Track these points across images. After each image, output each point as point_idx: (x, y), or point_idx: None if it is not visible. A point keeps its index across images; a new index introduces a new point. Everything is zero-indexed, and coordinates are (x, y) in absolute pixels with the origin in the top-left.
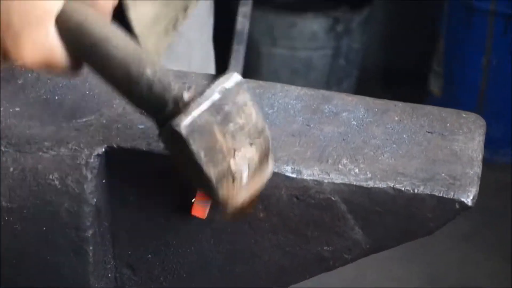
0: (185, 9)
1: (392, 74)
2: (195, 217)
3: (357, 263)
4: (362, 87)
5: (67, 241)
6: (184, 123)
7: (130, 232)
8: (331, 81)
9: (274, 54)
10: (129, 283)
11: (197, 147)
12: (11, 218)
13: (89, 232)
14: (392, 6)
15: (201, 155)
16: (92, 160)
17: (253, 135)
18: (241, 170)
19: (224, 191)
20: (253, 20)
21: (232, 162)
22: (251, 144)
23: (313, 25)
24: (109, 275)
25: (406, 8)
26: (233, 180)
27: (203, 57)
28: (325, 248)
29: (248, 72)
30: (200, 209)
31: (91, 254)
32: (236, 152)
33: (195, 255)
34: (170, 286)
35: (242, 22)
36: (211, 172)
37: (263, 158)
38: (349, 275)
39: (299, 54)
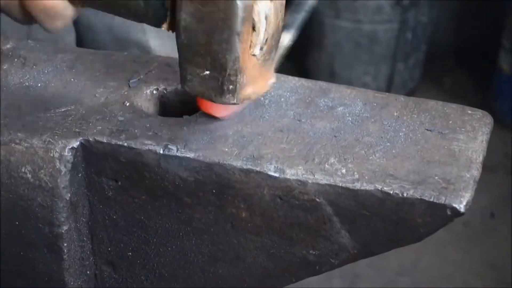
0: None
1: (462, 50)
2: (174, 216)
3: (413, 247)
4: (431, 63)
5: (41, 237)
6: None
7: (109, 228)
8: (398, 55)
9: (338, 27)
10: (110, 281)
11: None
12: None
13: (63, 228)
14: None
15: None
16: (66, 153)
17: None
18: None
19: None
20: None
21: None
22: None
23: None
24: (88, 272)
25: None
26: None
27: None
28: (311, 251)
29: (311, 44)
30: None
31: (65, 251)
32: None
33: (176, 254)
34: (151, 285)
35: None
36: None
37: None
38: (406, 259)
39: (364, 27)
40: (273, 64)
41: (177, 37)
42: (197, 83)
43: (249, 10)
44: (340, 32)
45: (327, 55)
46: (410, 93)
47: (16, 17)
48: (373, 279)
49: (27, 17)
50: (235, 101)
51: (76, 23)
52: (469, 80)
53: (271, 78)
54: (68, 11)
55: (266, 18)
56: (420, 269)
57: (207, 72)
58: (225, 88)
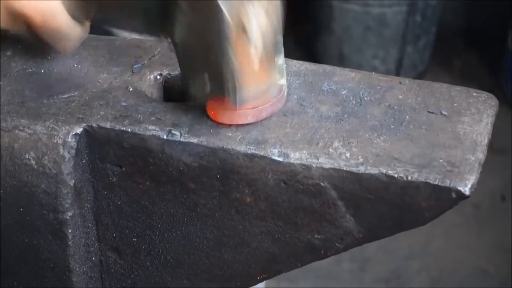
0: None
1: (471, 31)
2: (179, 201)
3: (423, 230)
4: (441, 45)
5: (45, 223)
6: None
7: (113, 214)
8: (407, 38)
9: (347, 10)
10: (115, 267)
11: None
12: None
13: (68, 214)
14: None
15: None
16: (69, 140)
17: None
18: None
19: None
20: None
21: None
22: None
23: None
24: (93, 258)
25: None
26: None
27: None
28: (316, 236)
29: (319, 28)
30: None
31: (70, 237)
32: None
33: (181, 240)
34: (156, 271)
35: None
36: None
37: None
38: (416, 242)
39: (373, 10)
40: (275, 66)
41: (176, 53)
42: (201, 95)
43: (236, 13)
44: (349, 15)
45: (336, 39)
46: (420, 75)
47: (30, 40)
48: (383, 262)
49: (38, 41)
50: (236, 105)
51: None
52: (479, 61)
53: (276, 80)
54: (75, 31)
55: (256, 18)
56: (430, 252)
57: (208, 83)
58: (226, 93)
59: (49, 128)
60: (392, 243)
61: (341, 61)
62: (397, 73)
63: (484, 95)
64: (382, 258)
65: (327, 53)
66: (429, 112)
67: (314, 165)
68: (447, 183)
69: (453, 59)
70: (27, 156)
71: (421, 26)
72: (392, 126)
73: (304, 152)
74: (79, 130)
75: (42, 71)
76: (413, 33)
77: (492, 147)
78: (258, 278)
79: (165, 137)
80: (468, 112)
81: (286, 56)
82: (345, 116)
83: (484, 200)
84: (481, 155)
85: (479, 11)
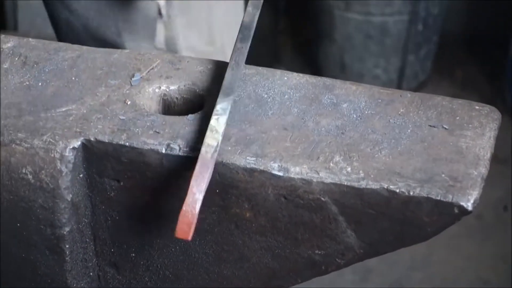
0: None
1: (473, 40)
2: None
3: (426, 241)
4: (442, 54)
5: (42, 238)
6: None
7: (111, 229)
8: (409, 47)
9: (348, 19)
10: (113, 282)
11: None
12: None
13: (65, 230)
14: None
15: None
16: (67, 154)
17: None
18: None
19: None
20: None
21: None
22: None
23: None
24: (91, 273)
25: None
26: None
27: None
28: (317, 251)
29: (321, 37)
30: (184, 230)
31: (67, 252)
32: None
33: (180, 255)
34: (155, 286)
35: (251, 14)
36: None
37: None
38: (418, 252)
39: (374, 19)
40: None
41: None
42: None
43: None
44: (350, 24)
45: (337, 48)
46: (422, 85)
47: None
48: (385, 274)
49: None
50: None
51: (56, 22)
52: (481, 70)
53: None
54: None
55: None
56: (433, 263)
57: None
58: None
59: (47, 142)
60: (394, 254)
61: (343, 70)
62: (399, 82)
63: (487, 108)
64: (384, 269)
65: (329, 62)
66: (431, 126)
67: (314, 180)
68: (449, 198)
69: (454, 68)
70: (24, 171)
71: (422, 35)
72: (393, 140)
73: (304, 166)
74: (76, 144)
75: (40, 84)
76: (414, 42)
77: (494, 158)
78: None
79: (163, 151)
80: (470, 125)
81: (287, 64)
82: (346, 129)
83: (487, 210)
84: (483, 169)
85: (481, 20)
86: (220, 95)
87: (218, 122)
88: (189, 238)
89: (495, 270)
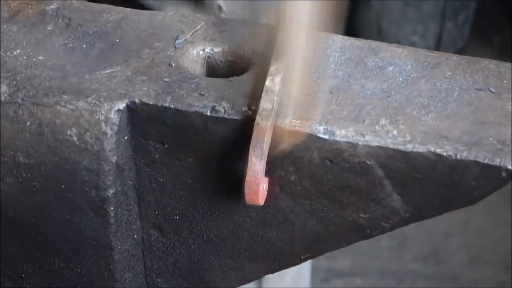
0: None
1: None
2: (222, 180)
3: (464, 208)
4: (481, 19)
5: (87, 200)
6: None
7: (156, 192)
8: (447, 13)
9: None
10: (157, 245)
11: None
12: (29, 175)
13: (110, 192)
14: None
15: None
16: (112, 116)
17: None
18: None
19: None
20: None
21: None
22: None
23: None
24: (135, 236)
25: None
26: None
27: None
28: (362, 215)
29: (358, 2)
30: (252, 198)
31: (112, 214)
32: None
33: (224, 218)
34: (199, 249)
35: None
36: None
37: None
38: (456, 220)
39: None
40: None
41: None
42: None
43: None
44: None
45: (374, 14)
46: (459, 52)
47: None
48: (422, 240)
49: None
50: None
51: None
52: None
53: None
54: None
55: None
56: (470, 230)
57: None
58: None
59: (91, 104)
60: (432, 220)
61: (380, 36)
62: (437, 49)
63: None
64: (421, 235)
65: (365, 28)
66: (478, 89)
67: (360, 143)
68: (497, 162)
69: (493, 34)
70: (69, 132)
71: (460, 1)
72: (440, 104)
73: (350, 129)
74: (121, 106)
75: (84, 46)
76: (452, 8)
77: None
78: (302, 257)
79: (208, 113)
80: None
81: (324, 31)
82: (392, 92)
83: None
84: None
85: None
86: (274, 56)
87: (273, 82)
88: (260, 203)
89: None
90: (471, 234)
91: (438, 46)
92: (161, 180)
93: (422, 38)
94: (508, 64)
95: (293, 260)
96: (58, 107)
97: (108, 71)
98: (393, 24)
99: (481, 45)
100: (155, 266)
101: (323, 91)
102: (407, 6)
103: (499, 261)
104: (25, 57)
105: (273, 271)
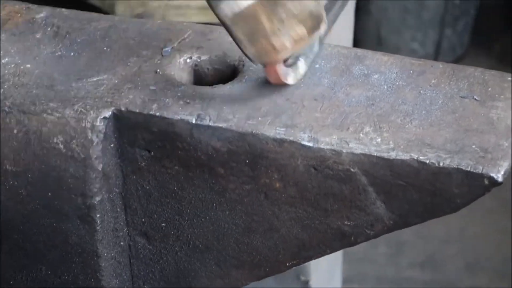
0: None
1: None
2: (208, 186)
3: (460, 215)
4: (480, 26)
5: (73, 208)
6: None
7: (142, 199)
8: (446, 20)
9: None
10: (144, 251)
11: (238, 33)
12: (16, 183)
13: (96, 199)
14: None
15: (241, 38)
16: (98, 124)
17: (305, 21)
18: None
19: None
20: None
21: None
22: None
23: None
24: (122, 243)
25: None
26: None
27: None
28: (346, 222)
29: (357, 9)
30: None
31: (98, 222)
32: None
33: (210, 225)
34: (185, 256)
35: None
36: (251, 52)
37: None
38: (453, 227)
39: None
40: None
41: None
42: None
43: None
44: None
45: (374, 21)
46: (459, 59)
47: None
48: (419, 247)
49: None
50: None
51: None
52: None
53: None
54: None
55: None
56: (467, 237)
57: None
58: None
59: (78, 112)
60: (428, 227)
61: (379, 43)
62: (436, 56)
63: None
64: (418, 242)
65: (365, 35)
66: (462, 97)
67: (344, 151)
68: (479, 169)
69: (492, 42)
70: (55, 140)
71: (460, 8)
72: (424, 111)
73: (334, 137)
74: (107, 114)
75: (72, 54)
76: (452, 15)
77: None
78: (287, 264)
79: (194, 121)
80: (502, 97)
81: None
82: (376, 100)
83: None
84: None
85: None
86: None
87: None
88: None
89: None
90: (468, 241)
91: (437, 53)
92: (147, 187)
93: (422, 45)
94: (493, 72)
95: (278, 267)
96: (45, 115)
97: (95, 79)
98: (392, 32)
99: (481, 52)
100: (142, 273)
101: (308, 98)
102: (407, 13)
103: (496, 268)
104: (13, 65)
105: (258, 278)
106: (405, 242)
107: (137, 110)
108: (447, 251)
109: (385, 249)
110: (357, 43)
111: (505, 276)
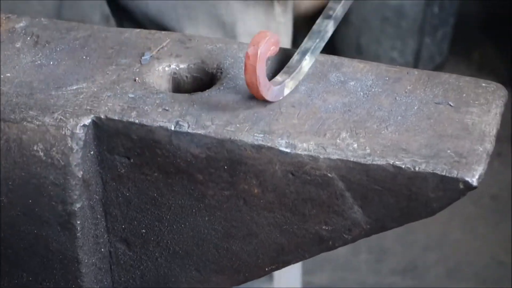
0: None
1: (490, 21)
2: (187, 193)
3: (441, 221)
4: (459, 35)
5: (54, 215)
6: None
7: (122, 206)
8: (425, 29)
9: (364, 1)
10: (124, 258)
11: None
12: None
13: (76, 206)
14: None
15: None
16: (78, 131)
17: None
18: None
19: None
20: None
21: None
22: None
23: None
24: (102, 249)
25: None
26: None
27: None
28: (324, 227)
29: None
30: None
31: (79, 228)
32: None
33: (190, 231)
34: (165, 262)
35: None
36: None
37: None
38: (433, 233)
39: (390, 1)
40: None
41: None
42: None
43: None
44: (366, 6)
45: (353, 30)
46: (438, 67)
47: None
48: (400, 254)
49: None
50: None
51: (115, 10)
52: (498, 53)
53: None
54: None
55: None
56: (448, 243)
57: None
58: None
59: (57, 120)
60: (410, 234)
61: (359, 52)
62: (415, 65)
63: (493, 85)
64: (399, 249)
65: (345, 44)
66: (437, 103)
67: (321, 156)
68: (454, 173)
69: (471, 50)
70: (35, 148)
71: (439, 17)
72: (399, 117)
73: (311, 143)
74: (87, 121)
75: (51, 63)
76: (431, 24)
77: (511, 138)
78: (266, 269)
79: (172, 128)
80: (476, 102)
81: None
82: (353, 107)
83: (502, 191)
84: (489, 145)
85: (498, 1)
86: None
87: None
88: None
89: (510, 251)
90: (449, 248)
91: (417, 62)
92: (127, 194)
93: (401, 54)
94: (467, 78)
95: (258, 272)
96: (25, 123)
97: (74, 87)
98: (372, 40)
99: (460, 61)
100: (122, 279)
101: (285, 105)
102: (386, 22)
103: (476, 274)
104: None
105: (238, 283)
106: (386, 249)
107: (116, 118)
108: (428, 258)
109: (367, 256)
110: (337, 52)
111: (486, 282)
